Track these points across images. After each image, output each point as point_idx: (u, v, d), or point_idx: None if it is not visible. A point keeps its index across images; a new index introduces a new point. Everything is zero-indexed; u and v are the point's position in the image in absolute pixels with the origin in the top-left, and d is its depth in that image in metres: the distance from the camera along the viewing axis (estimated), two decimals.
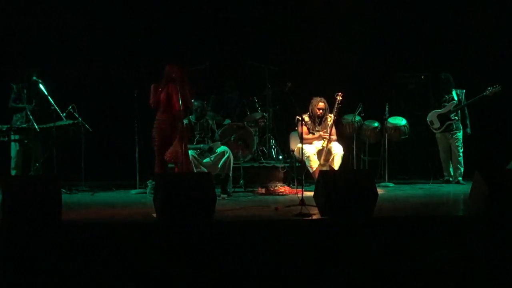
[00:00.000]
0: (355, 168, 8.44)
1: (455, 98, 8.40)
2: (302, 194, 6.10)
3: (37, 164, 7.69)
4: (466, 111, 8.39)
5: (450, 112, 8.37)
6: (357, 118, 8.51)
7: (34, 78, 7.58)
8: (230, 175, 7.52)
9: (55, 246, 5.01)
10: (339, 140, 7.98)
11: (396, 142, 8.61)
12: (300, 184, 6.77)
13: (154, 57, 8.63)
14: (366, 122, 8.62)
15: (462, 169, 8.40)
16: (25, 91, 7.68)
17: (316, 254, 5.03)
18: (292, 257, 5.00)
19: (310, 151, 7.74)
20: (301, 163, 7.82)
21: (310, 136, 7.87)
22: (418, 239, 5.24)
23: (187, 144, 6.97)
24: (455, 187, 8.12)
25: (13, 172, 7.72)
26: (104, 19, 8.83)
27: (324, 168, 7.63)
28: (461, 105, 8.38)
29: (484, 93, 8.13)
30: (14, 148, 7.73)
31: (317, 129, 7.94)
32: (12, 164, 7.77)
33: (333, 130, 7.85)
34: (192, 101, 7.66)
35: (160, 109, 6.94)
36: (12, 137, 7.56)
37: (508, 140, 8.72)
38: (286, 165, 8.30)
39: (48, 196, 5.50)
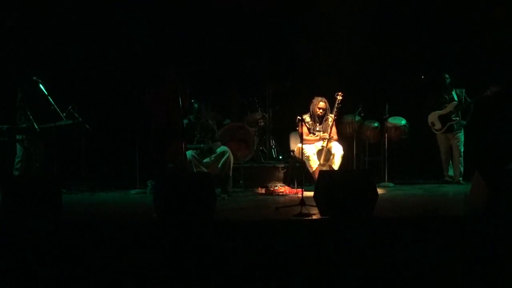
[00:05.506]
0: (355, 168, 8.44)
1: (455, 98, 8.40)
2: (302, 194, 6.10)
3: (38, 164, 7.69)
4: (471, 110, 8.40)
5: (451, 112, 8.37)
6: (357, 118, 8.51)
7: (34, 78, 7.58)
8: (230, 175, 7.52)
9: (55, 246, 5.02)
10: (339, 140, 7.99)
11: (396, 142, 8.60)
12: (300, 184, 6.76)
13: (154, 57, 8.63)
14: (366, 122, 8.62)
15: (462, 169, 8.40)
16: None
17: (316, 254, 5.03)
18: (292, 257, 5.00)
19: (310, 151, 7.74)
20: (301, 163, 7.83)
21: (311, 137, 7.87)
22: (418, 239, 5.24)
23: (186, 144, 6.98)
24: (455, 187, 8.12)
25: (16, 173, 7.71)
26: (104, 19, 8.83)
27: (324, 168, 7.64)
28: (462, 105, 8.38)
29: (485, 93, 8.13)
30: (20, 149, 7.71)
31: (317, 129, 7.94)
32: (17, 165, 7.74)
33: (334, 130, 7.86)
34: (192, 101, 7.68)
35: (158, 109, 6.94)
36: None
37: (508, 140, 8.72)
38: (286, 165, 8.31)
39: (48, 196, 5.51)
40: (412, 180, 8.74)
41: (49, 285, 4.78)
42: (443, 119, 8.42)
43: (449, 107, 8.38)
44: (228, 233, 5.34)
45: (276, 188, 7.77)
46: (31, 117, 7.43)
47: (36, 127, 7.40)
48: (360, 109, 8.42)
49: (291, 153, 8.00)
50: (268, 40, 9.19)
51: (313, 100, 7.97)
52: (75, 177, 7.84)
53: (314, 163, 7.70)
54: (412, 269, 4.91)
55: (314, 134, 7.91)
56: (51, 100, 7.47)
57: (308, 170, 7.71)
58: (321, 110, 7.92)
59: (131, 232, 5.30)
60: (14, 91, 7.76)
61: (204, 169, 7.26)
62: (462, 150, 8.40)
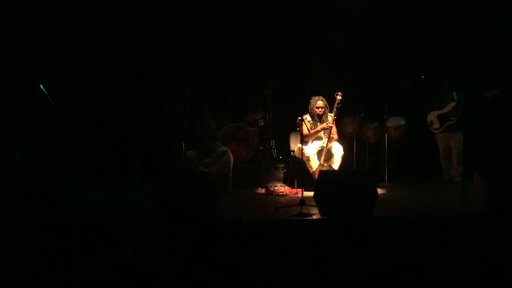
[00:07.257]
0: (355, 168, 8.44)
1: (455, 98, 8.41)
2: (302, 194, 6.11)
3: (37, 164, 7.68)
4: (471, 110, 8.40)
5: (449, 113, 8.38)
6: (357, 118, 8.51)
7: (34, 78, 7.57)
8: (230, 175, 7.52)
9: (55, 246, 5.02)
10: (339, 140, 7.99)
11: (396, 142, 8.61)
12: (300, 184, 6.76)
13: (153, 57, 8.64)
14: (366, 122, 8.62)
15: (461, 169, 8.41)
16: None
17: (316, 254, 5.03)
18: (292, 257, 5.00)
19: (310, 151, 7.74)
20: (301, 163, 7.83)
21: (313, 131, 7.82)
22: (418, 239, 5.24)
23: (186, 144, 6.99)
24: (455, 187, 8.12)
25: (16, 173, 7.70)
26: (104, 20, 8.83)
27: (324, 168, 7.64)
28: (461, 105, 8.38)
29: (483, 95, 8.13)
30: (20, 149, 7.70)
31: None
32: (17, 165, 7.73)
33: (334, 129, 7.86)
34: (192, 101, 7.68)
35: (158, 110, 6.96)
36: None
37: (508, 140, 8.72)
38: (286, 165, 8.31)
39: (50, 196, 5.51)
40: (412, 180, 8.75)
41: (49, 285, 4.78)
42: (442, 118, 8.43)
43: (448, 107, 8.39)
44: (228, 233, 5.34)
45: (276, 188, 7.77)
46: (31, 117, 7.43)
47: (36, 127, 7.40)
48: (360, 109, 8.42)
49: (291, 153, 8.00)
50: (268, 40, 9.20)
51: (310, 100, 7.97)
52: (75, 177, 7.84)
53: (314, 163, 7.70)
54: (412, 269, 4.92)
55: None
56: (51, 100, 7.48)
57: (308, 170, 7.71)
58: (320, 109, 7.91)
59: (131, 232, 5.30)
60: (14, 91, 7.76)
61: (204, 169, 7.26)
62: (461, 150, 8.41)
